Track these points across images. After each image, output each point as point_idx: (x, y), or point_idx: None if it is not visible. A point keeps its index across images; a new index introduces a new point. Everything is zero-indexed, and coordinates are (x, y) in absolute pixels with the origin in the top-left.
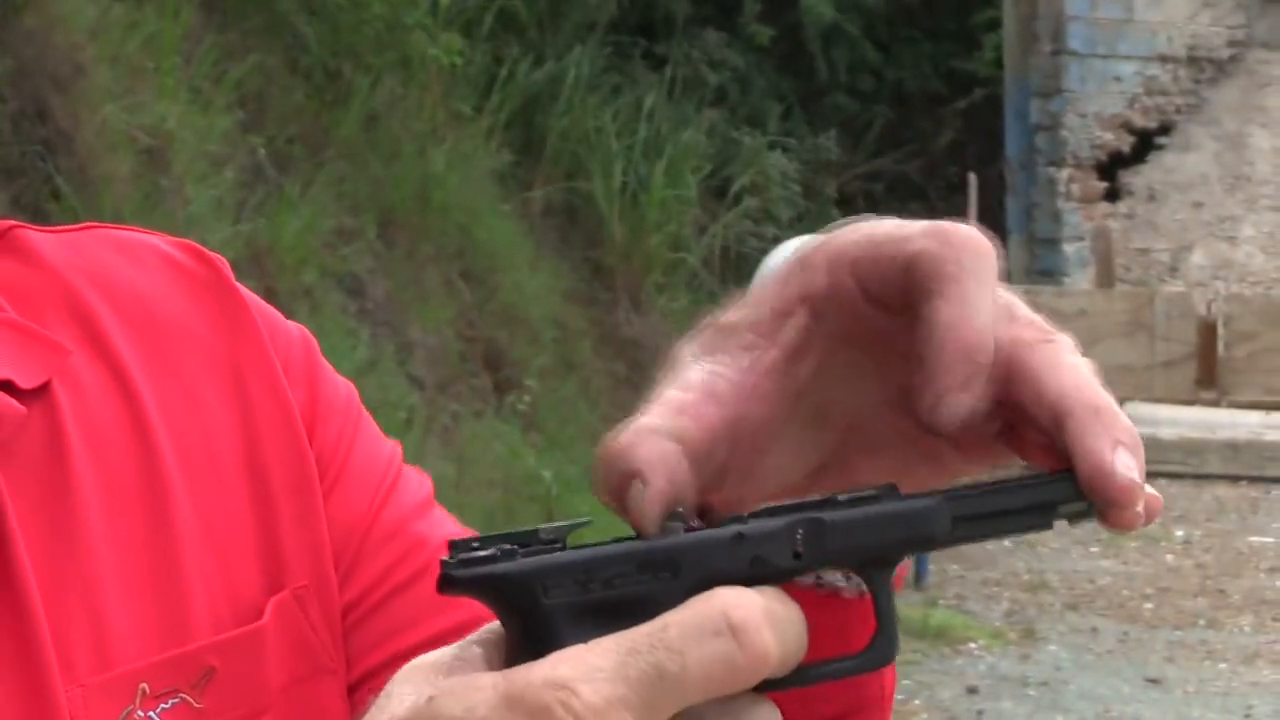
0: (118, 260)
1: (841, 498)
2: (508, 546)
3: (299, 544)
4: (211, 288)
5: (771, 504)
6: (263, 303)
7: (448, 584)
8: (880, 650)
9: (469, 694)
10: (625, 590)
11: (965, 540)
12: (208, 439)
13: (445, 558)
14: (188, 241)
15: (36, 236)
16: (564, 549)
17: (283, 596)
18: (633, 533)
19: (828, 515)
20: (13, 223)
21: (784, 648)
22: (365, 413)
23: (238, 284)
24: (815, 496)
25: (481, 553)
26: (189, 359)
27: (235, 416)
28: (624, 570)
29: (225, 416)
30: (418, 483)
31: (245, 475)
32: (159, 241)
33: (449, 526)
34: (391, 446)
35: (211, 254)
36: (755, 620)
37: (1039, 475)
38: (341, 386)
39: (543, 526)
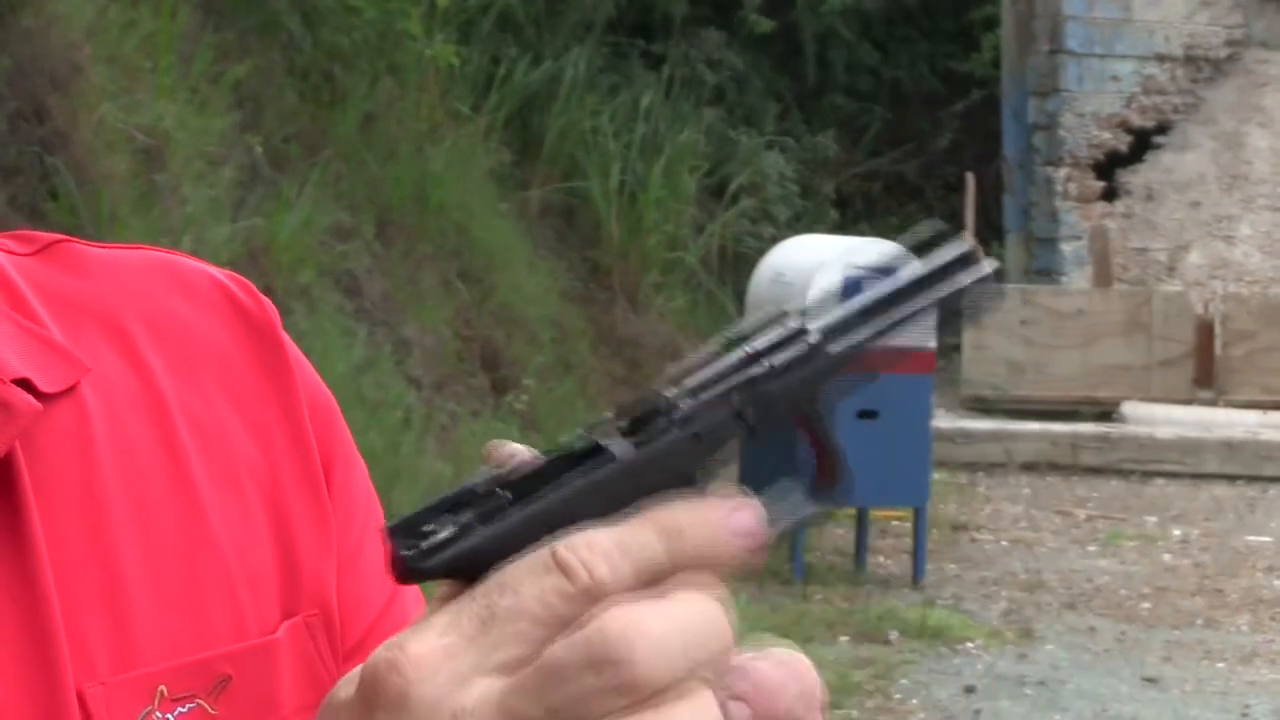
0: (163, 285)
1: (775, 363)
2: (461, 519)
3: (312, 578)
4: (256, 326)
5: (695, 373)
6: (302, 356)
7: (415, 575)
8: (839, 479)
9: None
10: (598, 520)
11: (885, 342)
12: (233, 464)
13: (404, 552)
14: (243, 279)
15: (85, 251)
16: (510, 497)
17: (296, 621)
18: (566, 450)
19: (772, 388)
20: (62, 236)
21: (633, 568)
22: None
23: (283, 331)
24: (739, 357)
25: (440, 535)
26: (220, 387)
27: (261, 450)
28: (591, 502)
29: (251, 448)
30: (413, 592)
31: (266, 504)
32: (215, 271)
33: None
34: None
35: (263, 297)
36: (580, 556)
37: (936, 257)
38: (361, 463)
39: (476, 482)
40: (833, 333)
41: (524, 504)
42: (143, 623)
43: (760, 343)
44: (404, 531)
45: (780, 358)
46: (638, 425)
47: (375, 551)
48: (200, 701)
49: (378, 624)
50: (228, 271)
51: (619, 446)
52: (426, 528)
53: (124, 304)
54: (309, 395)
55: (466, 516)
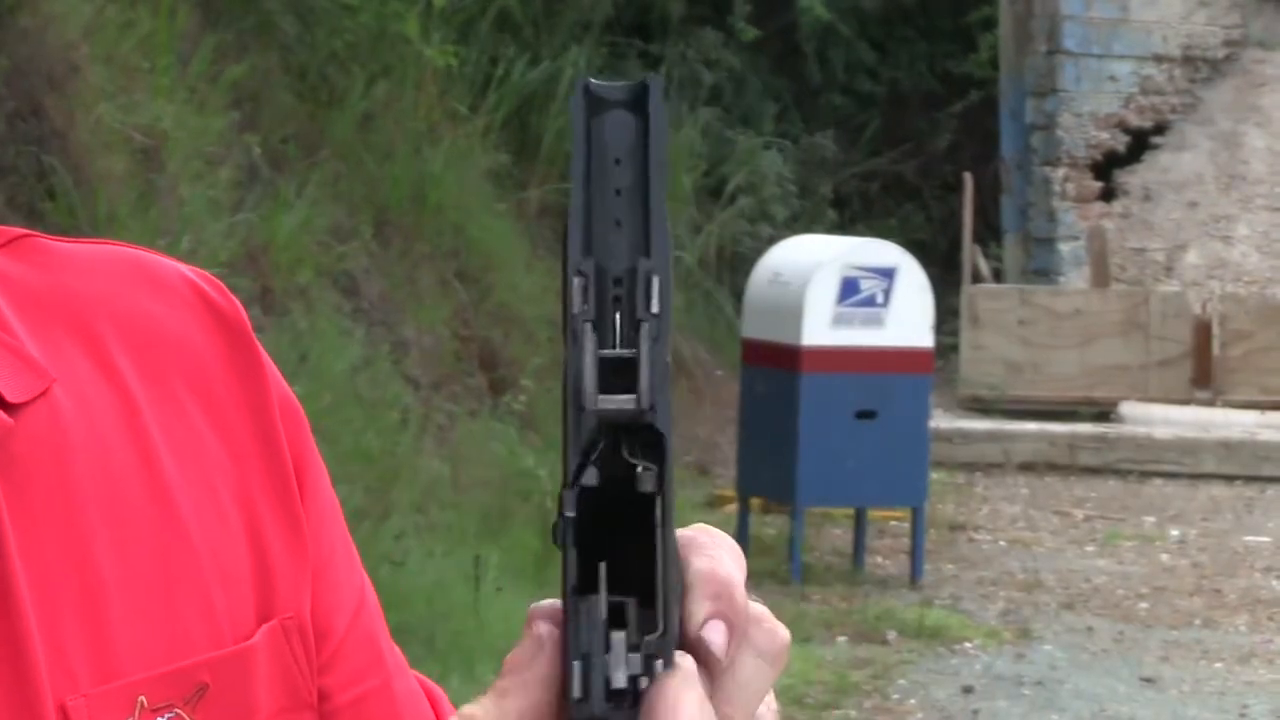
0: (133, 283)
1: (655, 309)
2: (628, 644)
3: (286, 581)
4: (228, 325)
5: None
6: (269, 359)
7: None
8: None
9: None
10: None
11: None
12: (205, 467)
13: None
14: (212, 277)
15: (52, 247)
16: (634, 601)
17: (273, 625)
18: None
19: (666, 327)
20: (26, 231)
21: None
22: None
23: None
24: (647, 330)
25: (630, 679)
26: (191, 388)
27: (231, 453)
28: (675, 555)
29: (222, 451)
30: (371, 587)
31: (238, 507)
32: (184, 269)
33: (392, 643)
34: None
35: (233, 295)
36: None
37: None
38: (324, 467)
39: (591, 609)
40: (642, 248)
41: (661, 605)
42: (121, 632)
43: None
44: (602, 699)
45: (654, 302)
46: (632, 451)
47: (345, 556)
48: (179, 710)
49: (348, 637)
50: (196, 269)
51: (648, 480)
52: (615, 684)
53: (93, 303)
54: (279, 397)
55: (630, 637)
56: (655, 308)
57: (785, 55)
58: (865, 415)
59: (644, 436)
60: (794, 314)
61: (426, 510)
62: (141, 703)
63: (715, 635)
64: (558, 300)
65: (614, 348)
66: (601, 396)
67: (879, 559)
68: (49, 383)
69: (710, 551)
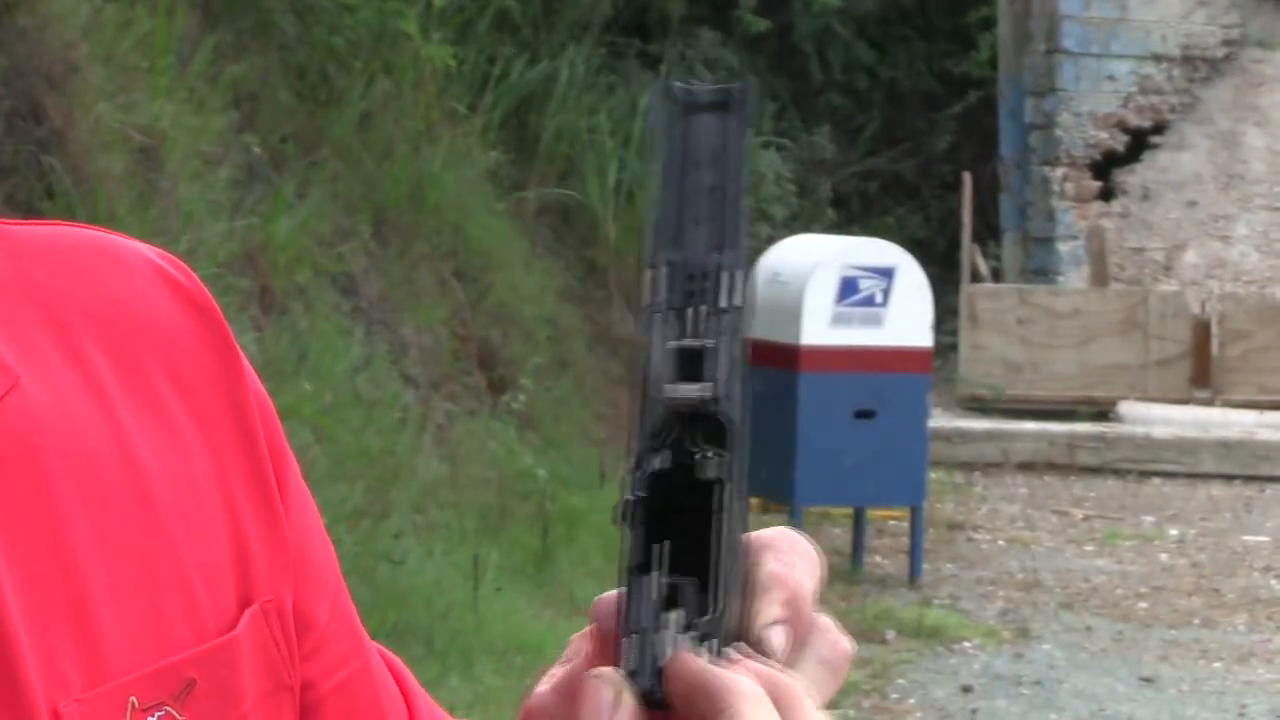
0: (99, 266)
1: (734, 302)
2: (683, 624)
3: (265, 564)
4: (199, 307)
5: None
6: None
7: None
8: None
9: None
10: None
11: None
12: (182, 454)
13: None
14: (175, 258)
15: (11, 231)
16: (697, 583)
17: (254, 610)
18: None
19: (745, 321)
20: None
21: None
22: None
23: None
24: (728, 324)
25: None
26: (164, 372)
27: (207, 436)
28: (738, 540)
29: (197, 435)
30: (342, 586)
31: (216, 491)
32: (146, 250)
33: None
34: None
35: (197, 278)
36: None
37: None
38: (294, 456)
39: (648, 585)
40: (722, 245)
41: (725, 592)
42: (109, 632)
43: (692, 294)
44: (651, 675)
45: (736, 295)
46: (698, 439)
47: (320, 543)
48: (168, 708)
49: (330, 624)
50: (158, 249)
51: (710, 468)
52: (658, 663)
53: (59, 290)
54: (252, 385)
55: (687, 617)
56: (732, 301)
57: (784, 54)
58: (864, 415)
59: (712, 426)
60: (793, 313)
61: (425, 510)
62: (133, 703)
63: (776, 638)
64: (556, 300)
65: (691, 339)
66: (671, 385)
67: (878, 558)
68: (16, 378)
69: (786, 557)
